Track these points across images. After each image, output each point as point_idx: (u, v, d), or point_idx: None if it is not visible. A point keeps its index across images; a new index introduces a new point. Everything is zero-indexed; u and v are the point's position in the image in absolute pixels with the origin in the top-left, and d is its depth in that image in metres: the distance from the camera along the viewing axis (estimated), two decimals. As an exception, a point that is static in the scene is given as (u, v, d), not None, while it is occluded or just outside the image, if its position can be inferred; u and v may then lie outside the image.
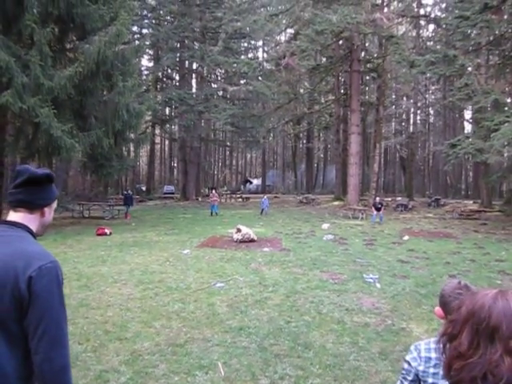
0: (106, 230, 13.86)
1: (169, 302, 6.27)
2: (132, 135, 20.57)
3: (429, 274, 8.35)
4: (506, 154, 16.76)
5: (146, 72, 36.15)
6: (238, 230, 12.44)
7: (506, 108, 17.92)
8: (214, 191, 25.28)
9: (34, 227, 1.58)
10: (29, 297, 1.36)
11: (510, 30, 19.33)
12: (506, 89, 21.76)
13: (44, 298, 1.38)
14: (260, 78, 28.96)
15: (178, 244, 11.80)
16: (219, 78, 39.18)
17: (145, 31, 34.25)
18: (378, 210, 18.90)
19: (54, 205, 1.68)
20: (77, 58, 14.60)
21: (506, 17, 18.54)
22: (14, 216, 1.55)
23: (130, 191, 22.47)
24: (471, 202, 32.34)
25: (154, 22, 34.00)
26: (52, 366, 1.37)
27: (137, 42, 25.71)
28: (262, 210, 22.60)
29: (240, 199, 34.71)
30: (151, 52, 38.07)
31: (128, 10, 16.19)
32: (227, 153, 63.32)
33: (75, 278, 7.72)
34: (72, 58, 15.59)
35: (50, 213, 1.66)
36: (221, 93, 35.33)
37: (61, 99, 13.99)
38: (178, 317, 5.60)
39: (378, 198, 20.32)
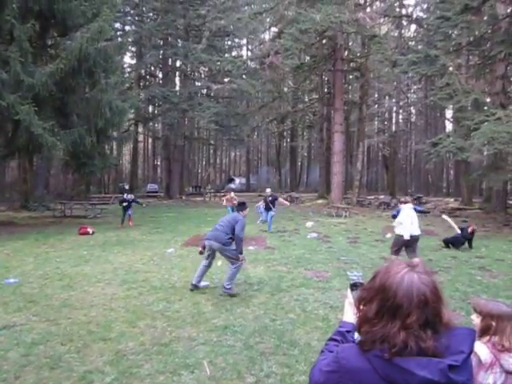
0: (89, 229, 13.69)
1: (153, 301, 6.23)
2: (115, 133, 20.40)
3: (411, 271, 8.43)
4: (485, 153, 17.07)
5: (128, 69, 35.74)
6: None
7: (486, 107, 18.25)
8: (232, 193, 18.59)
9: None
10: None
11: (489, 31, 19.69)
12: (486, 89, 22.13)
13: None
14: (244, 76, 28.92)
15: (162, 243, 11.73)
16: (203, 76, 38.96)
17: (127, 28, 33.90)
18: (268, 208, 14.86)
19: None
20: (58, 55, 14.38)
21: (485, 18, 18.89)
22: None
23: (130, 195, 16.62)
24: (452, 199, 32.90)
25: (136, 18, 33.64)
26: None
27: (119, 39, 25.39)
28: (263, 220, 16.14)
29: (224, 198, 34.62)
30: (134, 49, 37.63)
31: (110, 7, 16.01)
32: (211, 151, 63.08)
33: (57, 278, 7.61)
34: (53, 55, 15.37)
35: None
36: (205, 91, 35.14)
37: (42, 96, 13.76)
38: (162, 316, 5.57)
39: (268, 190, 15.98)
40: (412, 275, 1.20)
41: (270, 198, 14.93)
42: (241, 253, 6.72)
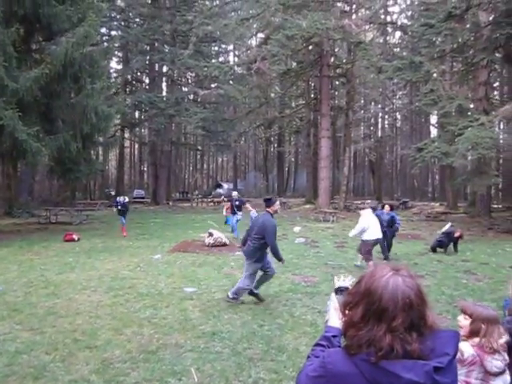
0: (74, 236, 13.51)
1: (140, 308, 6.17)
2: (101, 139, 20.24)
3: (398, 275, 8.50)
4: (469, 158, 17.31)
5: (114, 74, 35.54)
6: (210, 235, 12.37)
7: (470, 113, 18.55)
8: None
9: None
10: None
11: (472, 39, 20.05)
12: (469, 95, 22.51)
13: None
14: (231, 81, 28.96)
15: (148, 249, 11.64)
16: (190, 82, 38.93)
17: (114, 33, 33.69)
18: (234, 211, 14.42)
19: None
20: (43, 60, 14.24)
21: (468, 25, 19.23)
22: None
23: (124, 198, 15.91)
24: (438, 204, 33.31)
25: (123, 23, 33.49)
26: None
27: (105, 44, 25.26)
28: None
29: (212, 203, 34.54)
30: (120, 54, 37.45)
31: (96, 12, 15.92)
32: (198, 157, 62.92)
33: (42, 285, 7.49)
34: (38, 60, 15.21)
35: None
36: (191, 96, 35.09)
37: (26, 101, 13.60)
38: (149, 323, 5.52)
39: (235, 193, 15.82)
40: (397, 279, 1.21)
41: (237, 203, 14.51)
42: (280, 259, 6.44)
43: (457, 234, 11.63)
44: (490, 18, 18.10)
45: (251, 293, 6.48)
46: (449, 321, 5.43)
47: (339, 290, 1.58)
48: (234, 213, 14.46)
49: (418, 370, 1.10)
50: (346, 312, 1.30)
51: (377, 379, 1.13)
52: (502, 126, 24.98)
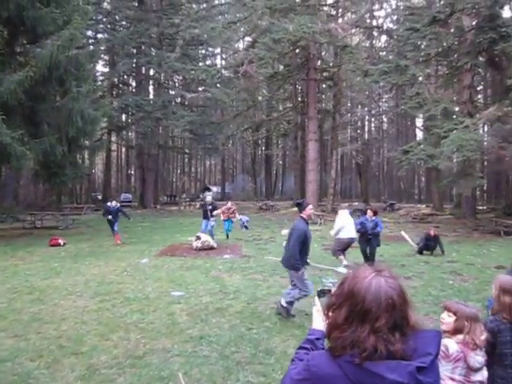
0: (60, 241, 13.35)
1: (127, 313, 6.11)
2: (87, 142, 20.02)
3: (385, 277, 8.55)
4: (455, 160, 17.51)
5: (101, 78, 35.28)
6: (198, 238, 12.32)
7: (455, 116, 18.80)
8: (229, 203, 16.09)
9: None
10: None
11: (456, 43, 20.34)
12: (454, 98, 22.81)
13: None
14: (218, 85, 28.96)
15: (136, 253, 11.54)
16: (177, 85, 38.82)
17: (100, 36, 33.49)
18: (206, 216, 13.67)
19: None
20: (28, 63, 14.06)
21: (452, 30, 19.51)
22: None
23: (114, 202, 14.12)
24: (424, 206, 33.64)
25: (109, 26, 33.29)
26: None
27: (91, 47, 25.09)
28: (245, 227, 17.88)
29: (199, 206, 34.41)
30: (107, 57, 37.23)
31: (82, 14, 15.80)
32: (186, 160, 62.68)
33: (27, 291, 7.37)
34: (23, 62, 15.00)
35: None
36: (179, 99, 35.04)
37: (10, 105, 13.42)
38: (136, 328, 5.46)
39: (209, 198, 14.97)
40: (379, 280, 1.22)
41: (210, 207, 13.74)
42: (298, 269, 5.80)
43: (431, 233, 11.81)
44: (474, 23, 18.40)
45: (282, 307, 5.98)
46: (436, 321, 5.47)
47: (322, 293, 1.58)
48: (206, 218, 13.68)
49: (402, 371, 1.11)
50: (330, 314, 1.30)
51: (361, 380, 1.14)
52: (486, 129, 25.33)
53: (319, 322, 1.49)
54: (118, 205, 13.98)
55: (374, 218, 9.61)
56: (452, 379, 2.41)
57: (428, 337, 1.21)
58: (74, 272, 9.07)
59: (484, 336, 2.48)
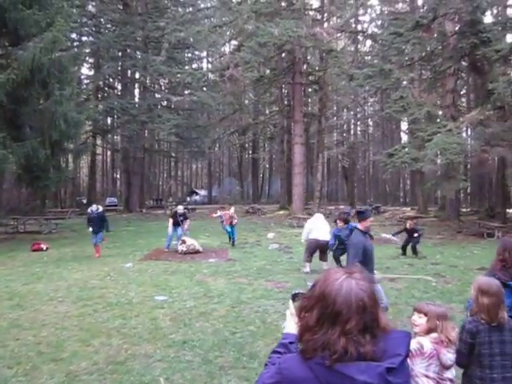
0: (43, 245, 13.15)
1: (109, 318, 6.02)
2: (71, 146, 19.82)
3: (370, 279, 8.59)
4: (438, 163, 17.72)
5: (86, 81, 34.96)
6: (183, 242, 12.25)
7: (438, 120, 19.04)
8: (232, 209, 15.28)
9: None
10: None
11: (439, 47, 20.62)
12: (438, 102, 23.10)
13: None
14: (204, 88, 28.88)
15: (120, 258, 11.42)
16: (163, 88, 38.64)
17: (84, 39, 33.19)
18: (177, 223, 13.24)
19: None
20: (10, 65, 13.88)
21: (435, 35, 19.78)
22: None
23: (95, 206, 12.51)
24: (409, 208, 33.93)
25: (94, 29, 33.00)
26: None
27: (76, 50, 24.82)
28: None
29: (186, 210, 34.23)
30: (92, 60, 36.89)
31: (65, 17, 15.66)
32: (172, 163, 62.33)
33: (7, 297, 7.24)
34: (4, 65, 14.77)
35: None
36: (165, 103, 34.79)
37: (-9, 107, 13.22)
38: (118, 333, 5.39)
39: (180, 207, 14.49)
40: (350, 282, 1.21)
41: (181, 218, 13.37)
42: None
43: (408, 225, 12.05)
44: (456, 28, 18.70)
45: None
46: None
47: (295, 296, 1.56)
48: (177, 225, 13.25)
49: (372, 372, 1.11)
50: (302, 316, 1.29)
51: (331, 382, 1.13)
52: (469, 132, 25.70)
53: (292, 326, 1.47)
54: (101, 209, 12.43)
55: (345, 225, 9.25)
56: (426, 376, 2.48)
57: (397, 338, 1.21)
58: (56, 277, 8.94)
59: (455, 332, 2.57)
